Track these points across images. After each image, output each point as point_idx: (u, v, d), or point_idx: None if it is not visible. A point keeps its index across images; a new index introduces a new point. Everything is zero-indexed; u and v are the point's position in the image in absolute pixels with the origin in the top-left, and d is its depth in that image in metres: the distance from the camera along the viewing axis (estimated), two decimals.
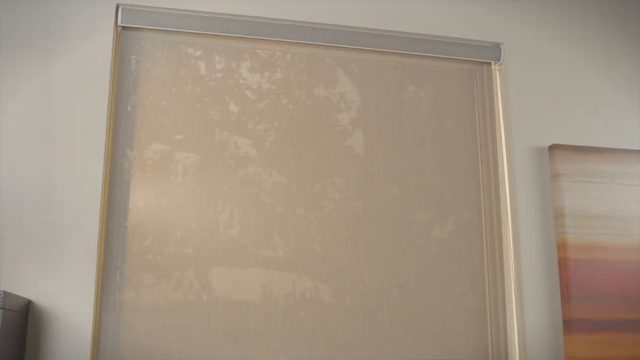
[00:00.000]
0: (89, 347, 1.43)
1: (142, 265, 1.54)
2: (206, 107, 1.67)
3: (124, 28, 1.65)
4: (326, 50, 1.77)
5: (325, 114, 1.73)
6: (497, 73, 1.86)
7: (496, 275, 1.74)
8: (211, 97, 1.67)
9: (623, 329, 1.68)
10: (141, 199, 1.58)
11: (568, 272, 1.68)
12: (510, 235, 1.75)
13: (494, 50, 1.85)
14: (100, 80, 1.57)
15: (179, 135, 1.63)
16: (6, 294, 1.20)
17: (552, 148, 1.76)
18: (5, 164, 1.48)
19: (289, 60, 1.75)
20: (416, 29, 1.79)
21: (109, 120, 1.57)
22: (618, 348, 1.67)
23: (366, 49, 1.78)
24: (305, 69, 1.75)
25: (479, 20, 1.85)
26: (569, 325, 1.65)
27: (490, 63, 1.88)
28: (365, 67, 1.79)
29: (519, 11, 1.88)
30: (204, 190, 1.62)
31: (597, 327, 1.66)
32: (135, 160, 1.60)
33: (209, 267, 1.58)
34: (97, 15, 1.60)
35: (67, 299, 1.44)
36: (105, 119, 1.55)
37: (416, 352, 1.65)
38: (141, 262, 1.55)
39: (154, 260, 1.55)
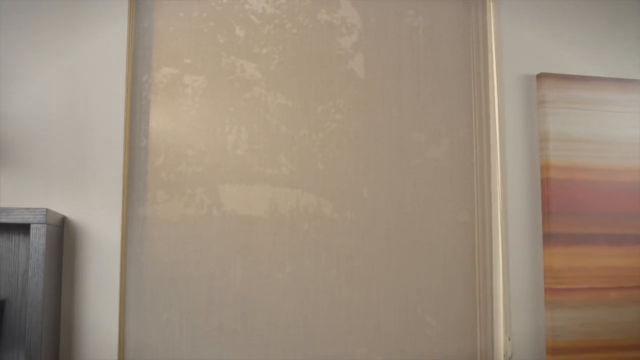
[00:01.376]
0: (118, 257, 1.57)
1: (156, 183, 1.68)
2: (213, 31, 1.76)
3: None
4: None
5: (327, 38, 1.83)
6: (491, 3, 1.96)
7: (484, 193, 1.89)
8: (217, 22, 1.76)
9: (598, 242, 1.84)
10: (153, 121, 1.70)
11: (549, 190, 1.83)
12: (498, 156, 1.88)
13: None
14: (118, 9, 1.65)
15: (188, 60, 1.73)
16: (48, 211, 1.33)
17: (540, 76, 1.88)
18: (38, 97, 1.58)
19: None
20: None
21: (128, 47, 1.66)
22: (593, 259, 1.83)
23: None
24: None
25: None
26: (549, 238, 1.81)
27: None
28: None
29: None
30: (212, 111, 1.73)
31: (574, 241, 1.82)
32: (147, 84, 1.70)
33: (219, 184, 1.71)
34: None
35: (97, 215, 1.57)
36: (125, 46, 1.64)
37: (410, 263, 1.81)
38: (155, 180, 1.68)
39: (167, 178, 1.69)
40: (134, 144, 1.67)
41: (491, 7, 1.96)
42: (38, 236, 1.31)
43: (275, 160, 1.75)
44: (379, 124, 1.84)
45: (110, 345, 1.54)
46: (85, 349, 1.53)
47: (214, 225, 1.69)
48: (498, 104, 1.91)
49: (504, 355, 1.81)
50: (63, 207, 1.56)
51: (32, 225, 1.31)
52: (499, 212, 1.87)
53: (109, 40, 1.63)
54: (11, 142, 1.55)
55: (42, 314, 1.30)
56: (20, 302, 1.50)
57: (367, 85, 1.84)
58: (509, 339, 1.80)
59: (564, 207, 1.83)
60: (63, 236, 1.54)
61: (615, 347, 1.82)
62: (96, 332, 1.54)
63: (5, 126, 1.55)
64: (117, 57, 1.63)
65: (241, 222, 1.71)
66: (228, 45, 1.76)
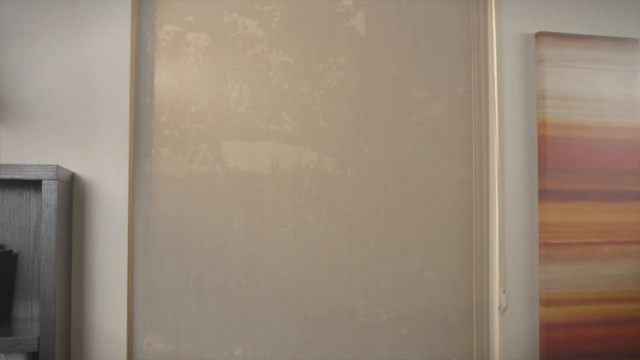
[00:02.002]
0: (125, 212, 1.63)
1: (161, 140, 1.72)
2: None
3: None
4: None
5: None
6: None
7: (482, 150, 1.94)
8: None
9: (592, 198, 1.90)
10: (157, 78, 1.73)
11: (546, 148, 1.88)
12: (496, 114, 1.92)
13: None
14: None
15: (190, 17, 1.76)
16: (59, 167, 1.37)
17: (539, 35, 1.91)
18: (46, 58, 1.61)
19: None
20: None
21: (132, 5, 1.67)
22: (587, 215, 1.89)
23: None
24: None
25: None
26: (544, 194, 1.88)
27: None
28: None
29: None
30: (214, 69, 1.76)
31: (569, 197, 1.88)
32: (150, 42, 1.73)
33: (222, 141, 1.76)
34: None
35: (105, 171, 1.62)
36: (130, 5, 1.66)
37: (409, 218, 1.87)
38: (160, 137, 1.72)
39: (171, 135, 1.73)
40: (139, 101, 1.71)
41: None
42: (50, 192, 1.36)
43: (277, 117, 1.80)
44: (380, 82, 1.87)
45: (119, 297, 1.61)
46: (95, 301, 1.60)
47: (218, 181, 1.75)
48: (497, 62, 1.94)
49: (499, 307, 1.89)
50: (72, 164, 1.61)
51: (43, 182, 1.35)
52: (496, 169, 1.93)
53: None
54: (20, 102, 1.59)
55: (56, 266, 1.36)
56: (32, 255, 1.56)
57: (367, 42, 1.87)
58: (504, 292, 1.88)
59: (559, 164, 1.89)
60: (72, 192, 1.59)
61: (606, 300, 1.90)
62: (106, 284, 1.61)
63: (14, 86, 1.58)
64: (121, 15, 1.65)
65: (244, 178, 1.76)
66: (230, 2, 1.78)
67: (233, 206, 1.75)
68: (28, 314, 1.55)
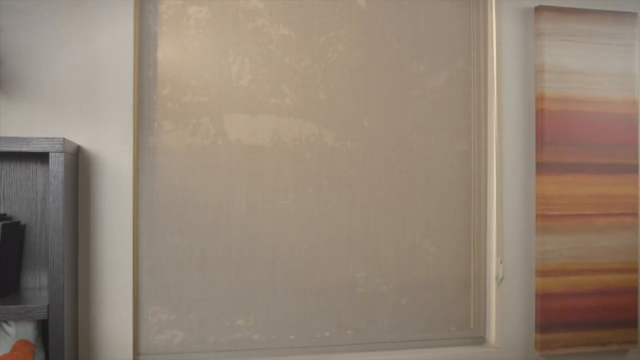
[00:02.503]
0: (130, 184, 1.66)
1: (163, 113, 1.76)
2: None
3: None
4: None
5: None
6: None
7: (481, 123, 1.98)
8: None
9: (589, 171, 1.94)
10: (159, 52, 1.76)
11: (544, 121, 1.91)
12: (495, 87, 1.95)
13: None
14: None
15: None
16: (65, 140, 1.41)
17: (538, 9, 1.93)
18: (51, 33, 1.63)
19: None
20: None
21: None
22: (583, 187, 1.94)
23: None
24: None
25: None
26: (541, 167, 1.91)
27: None
28: None
29: None
30: (216, 42, 1.79)
31: (566, 170, 1.92)
32: (152, 15, 1.75)
33: (223, 114, 1.79)
34: None
35: (109, 144, 1.66)
36: None
37: (408, 190, 1.92)
38: (162, 110, 1.76)
39: (173, 108, 1.76)
40: (143, 74, 1.74)
41: None
42: (57, 164, 1.40)
43: (278, 91, 1.83)
44: (380, 55, 1.90)
45: (125, 267, 1.66)
46: (101, 271, 1.65)
47: (220, 154, 1.78)
48: (496, 36, 1.97)
49: (496, 277, 1.95)
50: (77, 137, 1.64)
51: (50, 154, 1.39)
52: (494, 142, 1.97)
53: None
54: (25, 77, 1.61)
55: (63, 237, 1.40)
56: (40, 227, 1.60)
57: (368, 16, 1.90)
58: (501, 262, 1.93)
59: (557, 138, 1.92)
60: (78, 164, 1.63)
61: (601, 270, 1.95)
62: (111, 255, 1.65)
63: (20, 62, 1.61)
64: None
65: (246, 151, 1.80)
66: None
67: (235, 178, 1.79)
68: (36, 283, 1.60)
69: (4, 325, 1.48)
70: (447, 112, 1.95)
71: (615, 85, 1.97)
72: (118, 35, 1.67)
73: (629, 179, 1.98)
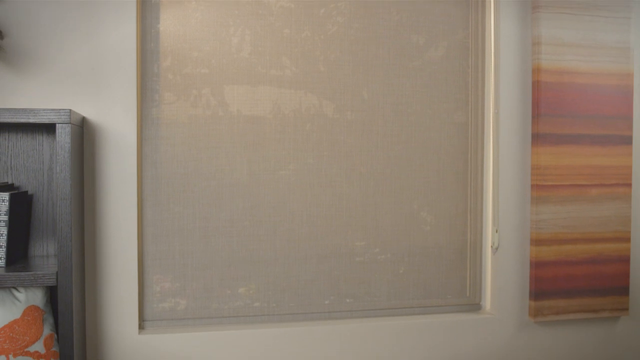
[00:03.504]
0: (134, 155, 1.72)
1: (165, 85, 1.81)
2: None
3: None
4: None
5: None
6: None
7: (478, 94, 2.03)
8: None
9: (583, 142, 1.99)
10: (161, 24, 1.80)
11: (539, 93, 1.96)
12: (492, 59, 2.01)
13: None
14: None
15: None
16: (71, 111, 1.46)
17: None
18: (56, 7, 1.69)
19: None
20: None
21: None
22: (578, 158, 1.99)
23: None
24: None
25: None
26: (537, 138, 1.97)
27: None
28: None
29: None
30: (216, 14, 1.83)
31: (561, 141, 1.97)
32: None
33: (224, 86, 1.84)
34: None
35: (114, 115, 1.71)
36: None
37: (406, 161, 1.98)
38: (164, 82, 1.81)
39: (174, 80, 1.81)
40: (145, 47, 1.79)
41: None
42: (63, 135, 1.45)
43: (278, 62, 1.88)
44: (379, 26, 1.95)
45: (130, 235, 1.73)
46: (107, 240, 1.72)
47: (221, 124, 1.84)
48: (494, 7, 2.01)
49: (492, 246, 2.03)
50: (82, 108, 1.70)
51: (57, 125, 1.44)
52: (491, 113, 2.02)
53: None
54: (31, 49, 1.66)
55: (70, 206, 1.47)
56: (47, 196, 1.67)
57: None
58: (497, 231, 2.00)
59: (552, 109, 1.97)
60: (83, 136, 1.69)
61: (594, 239, 2.02)
62: (116, 223, 1.72)
63: (26, 34, 1.66)
64: None
65: (247, 122, 1.86)
66: None
67: (237, 149, 1.85)
68: (44, 251, 1.67)
69: (14, 291, 1.55)
70: (445, 83, 2.01)
71: (611, 58, 2.02)
72: (121, 7, 1.71)
73: (623, 150, 2.04)
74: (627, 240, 2.05)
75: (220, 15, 1.83)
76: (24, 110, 1.42)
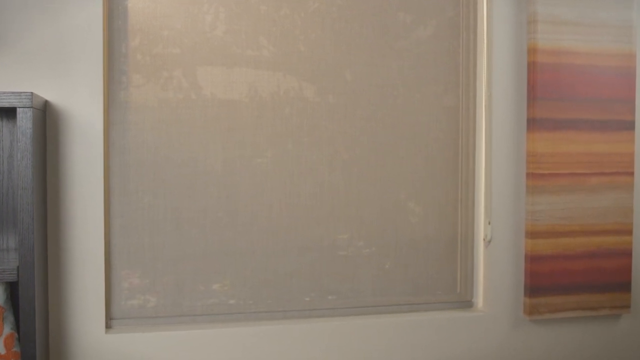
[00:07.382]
0: (101, 141, 1.77)
1: (133, 66, 1.86)
2: None
3: None
4: None
5: None
6: None
7: (469, 76, 2.08)
8: None
9: (582, 128, 2.04)
10: (128, 0, 1.86)
11: (535, 75, 2.00)
12: (485, 38, 2.06)
13: None
14: None
15: None
16: (33, 94, 1.50)
17: None
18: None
19: None
20: None
21: None
22: (576, 145, 2.04)
23: None
24: None
25: None
26: (532, 123, 2.02)
27: None
28: None
29: None
30: None
31: (558, 126, 2.02)
32: None
33: (197, 67, 1.89)
34: None
35: (79, 98, 1.76)
36: None
37: (393, 147, 2.03)
38: (132, 62, 1.86)
39: (143, 60, 1.86)
40: (112, 25, 1.84)
41: None
42: (25, 120, 1.50)
43: (255, 42, 1.93)
44: (364, 3, 1.99)
45: (96, 227, 1.78)
46: (71, 232, 1.77)
47: (194, 109, 1.89)
48: None
49: (484, 239, 2.09)
50: (44, 91, 1.74)
51: (18, 109, 1.49)
52: (483, 96, 2.08)
53: None
54: None
55: (33, 195, 1.52)
56: (7, 185, 1.72)
57: None
58: (489, 223, 2.06)
59: (549, 92, 2.01)
60: (46, 120, 1.74)
61: (593, 232, 2.07)
62: (81, 214, 1.77)
63: None
64: None
65: (221, 106, 1.91)
66: None
67: (210, 135, 1.91)
68: (4, 245, 1.73)
69: None
70: (434, 64, 2.06)
71: (612, 37, 2.06)
72: None
73: (624, 136, 2.09)
74: (629, 232, 2.11)
75: None
76: None
